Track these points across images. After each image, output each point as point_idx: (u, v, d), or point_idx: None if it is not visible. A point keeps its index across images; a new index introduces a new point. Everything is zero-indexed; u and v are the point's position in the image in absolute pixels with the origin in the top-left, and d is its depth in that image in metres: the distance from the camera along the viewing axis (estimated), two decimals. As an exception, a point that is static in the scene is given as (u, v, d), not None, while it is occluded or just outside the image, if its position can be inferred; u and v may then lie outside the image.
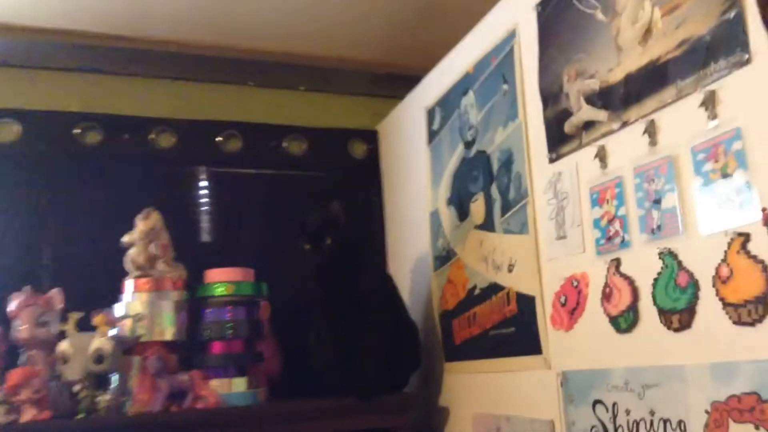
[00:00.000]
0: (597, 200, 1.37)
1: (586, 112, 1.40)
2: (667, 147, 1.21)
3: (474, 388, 1.81)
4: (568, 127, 1.46)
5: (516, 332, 1.63)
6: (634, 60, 1.29)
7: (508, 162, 1.68)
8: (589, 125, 1.40)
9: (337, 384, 1.86)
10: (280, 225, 2.31)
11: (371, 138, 2.53)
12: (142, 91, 2.30)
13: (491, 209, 1.74)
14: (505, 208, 1.68)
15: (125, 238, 1.83)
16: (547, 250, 1.52)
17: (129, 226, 1.88)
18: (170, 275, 1.84)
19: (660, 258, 1.21)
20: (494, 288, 1.72)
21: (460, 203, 1.91)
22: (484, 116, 1.79)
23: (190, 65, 2.35)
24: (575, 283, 1.42)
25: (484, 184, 1.78)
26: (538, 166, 1.57)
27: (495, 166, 1.73)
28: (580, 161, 1.42)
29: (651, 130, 1.24)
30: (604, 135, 1.36)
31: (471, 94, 1.86)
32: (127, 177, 2.21)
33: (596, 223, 1.37)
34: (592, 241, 1.38)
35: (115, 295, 1.85)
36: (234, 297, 1.87)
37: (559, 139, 1.49)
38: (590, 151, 1.39)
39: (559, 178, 1.49)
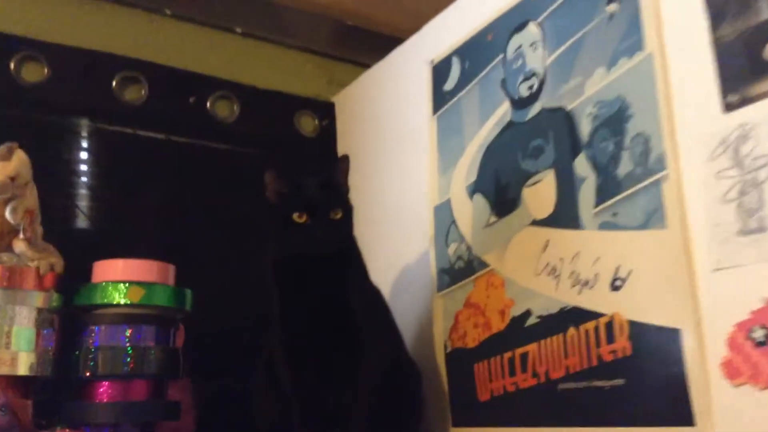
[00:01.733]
0: None
1: (833, 18, 0.84)
2: None
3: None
4: (777, 48, 0.89)
5: (628, 387, 1.01)
6: None
7: (616, 119, 1.08)
8: (837, 39, 0.83)
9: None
10: (194, 213, 1.61)
11: (325, 111, 1.86)
12: (3, -4, 1.53)
13: (572, 194, 1.13)
14: (608, 190, 1.07)
15: (-40, 192, 1.06)
16: (716, 254, 0.92)
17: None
18: (36, 263, 1.08)
19: None
20: (574, 315, 1.10)
21: (498, 189, 1.29)
22: (561, 57, 1.19)
23: (81, -30, 1.61)
24: (795, 307, 0.83)
25: (556, 157, 1.17)
26: (692, 120, 0.98)
27: (585, 127, 1.13)
28: (810, 101, 0.85)
29: None
30: None
31: (533, 29, 1.26)
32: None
33: None
34: (843, 233, 0.80)
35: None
36: (141, 309, 1.14)
37: (750, 72, 0.91)
38: (840, 81, 0.82)
39: (747, 135, 0.90)
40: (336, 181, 1.22)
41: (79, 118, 1.55)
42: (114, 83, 1.60)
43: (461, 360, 1.31)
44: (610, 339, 1.04)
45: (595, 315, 1.07)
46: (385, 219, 1.58)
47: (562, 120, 1.17)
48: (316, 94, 1.87)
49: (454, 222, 1.38)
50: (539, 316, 1.17)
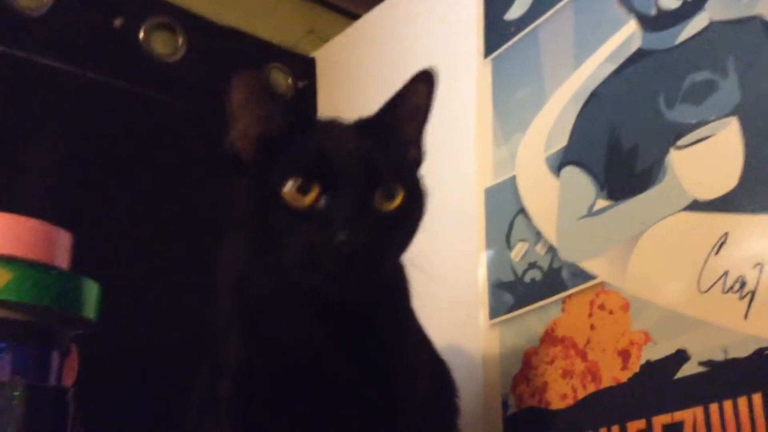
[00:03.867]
0: None
1: None
2: None
3: None
4: None
5: None
6: None
7: None
8: None
9: None
10: (113, 176, 1.10)
11: (304, 68, 1.36)
12: None
13: (781, 155, 0.67)
14: None
15: None
16: None
17: None
18: None
19: None
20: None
21: (615, 156, 0.81)
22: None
23: None
24: None
25: (744, 97, 0.71)
26: None
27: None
28: None
29: None
30: None
31: None
32: None
33: None
34: None
35: None
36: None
37: None
38: None
39: None
40: (396, 130, 0.65)
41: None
42: (2, -18, 1.06)
43: (538, 429, 0.81)
44: None
45: None
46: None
47: (757, 35, 0.71)
48: (293, 45, 1.37)
49: (522, 211, 0.90)
50: (706, 362, 0.68)
